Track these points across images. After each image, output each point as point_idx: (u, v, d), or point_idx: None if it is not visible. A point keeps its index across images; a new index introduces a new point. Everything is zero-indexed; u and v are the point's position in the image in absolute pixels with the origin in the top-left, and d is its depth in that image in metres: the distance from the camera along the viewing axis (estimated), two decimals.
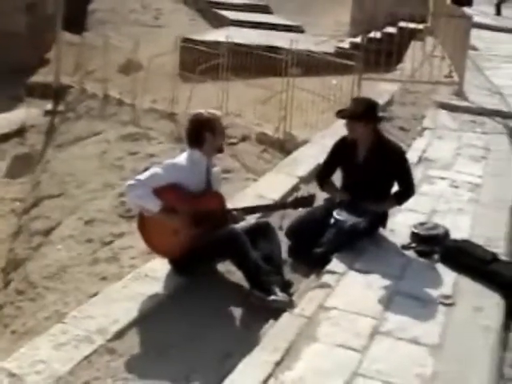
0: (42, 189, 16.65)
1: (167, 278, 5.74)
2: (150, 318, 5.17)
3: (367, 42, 23.84)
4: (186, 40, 24.41)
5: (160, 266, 5.90)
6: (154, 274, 5.79)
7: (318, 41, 27.27)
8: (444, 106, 12.95)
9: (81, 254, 11.86)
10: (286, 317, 4.98)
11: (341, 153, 6.61)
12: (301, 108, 15.81)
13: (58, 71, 26.28)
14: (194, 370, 4.48)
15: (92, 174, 15.56)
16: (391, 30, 24.71)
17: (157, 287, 5.58)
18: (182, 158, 5.89)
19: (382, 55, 18.26)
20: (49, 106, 25.39)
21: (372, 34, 24.44)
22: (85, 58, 24.14)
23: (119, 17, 40.64)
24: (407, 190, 6.53)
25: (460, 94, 13.88)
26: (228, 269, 5.90)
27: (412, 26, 23.69)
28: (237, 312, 5.39)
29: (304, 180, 8.39)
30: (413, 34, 22.94)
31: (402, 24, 24.43)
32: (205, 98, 16.22)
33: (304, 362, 4.34)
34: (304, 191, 7.58)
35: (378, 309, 5.07)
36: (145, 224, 5.76)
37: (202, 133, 5.86)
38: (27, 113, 26.82)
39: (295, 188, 8.19)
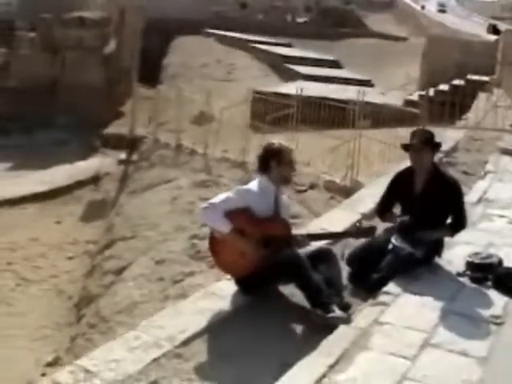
0: (115, 231, 17.23)
1: (233, 296, 6.13)
2: (216, 329, 5.55)
3: (435, 94, 24.28)
4: (258, 92, 25.07)
5: (227, 286, 6.30)
6: (220, 292, 6.20)
7: (386, 93, 27.69)
8: (507, 152, 13.21)
9: (152, 291, 12.27)
10: (342, 328, 5.32)
11: (399, 186, 7.00)
12: (368, 157, 16.17)
13: (132, 123, 27.13)
14: (254, 375, 4.81)
15: (164, 218, 16.04)
16: (459, 82, 25.00)
17: (223, 304, 5.98)
18: (252, 185, 6.34)
19: (449, 106, 18.61)
20: (123, 155, 26.20)
21: (440, 87, 24.81)
22: (159, 109, 24.83)
23: (192, 71, 41.74)
24: (460, 222, 6.87)
25: None
26: (291, 291, 6.22)
27: (479, 77, 24.02)
28: (297, 328, 5.72)
29: (365, 216, 8.71)
30: (480, 86, 23.24)
31: (470, 76, 24.77)
32: None
33: (356, 366, 4.66)
34: (365, 224, 7.90)
35: (429, 324, 5.36)
36: (215, 245, 6.19)
37: (269, 161, 6.30)
38: (102, 162, 27.73)
39: (359, 222, 8.50)
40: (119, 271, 14.29)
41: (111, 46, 43.75)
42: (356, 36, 64.45)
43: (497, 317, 5.58)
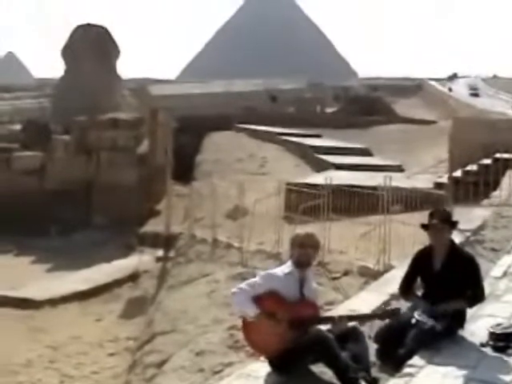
0: (155, 326, 17.61)
1: (267, 376, 6.49)
2: None
3: (463, 175, 24.58)
4: (290, 184, 25.61)
5: (261, 367, 6.64)
6: (254, 373, 6.56)
7: (411, 177, 28.07)
8: None
9: (193, 382, 12.55)
10: None
11: (419, 263, 7.45)
12: (400, 241, 16.46)
13: (168, 220, 27.70)
14: None
15: (202, 311, 16.40)
16: (487, 161, 25.29)
17: (256, 383, 6.28)
18: (278, 269, 6.84)
19: (477, 186, 18.91)
20: (160, 252, 26.73)
21: (469, 167, 25.17)
22: (193, 206, 25.37)
23: (225, 166, 42.57)
24: (478, 294, 7.25)
25: None
26: (321, 370, 6.55)
27: (508, 156, 24.34)
28: None
29: (394, 297, 9.02)
30: (508, 164, 23.53)
31: (498, 155, 25.12)
32: None
33: None
34: (392, 306, 8.25)
35: None
36: (247, 327, 6.61)
37: (291, 246, 6.80)
38: (140, 259, 28.27)
39: (386, 303, 8.83)
40: (160, 364, 14.62)
41: (145, 145, 44.79)
42: (385, 123, 65.35)
43: None
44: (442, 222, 7.21)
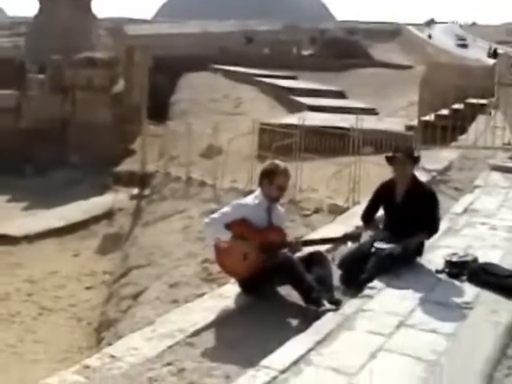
0: (131, 261, 18.04)
1: (237, 296, 6.99)
2: (222, 323, 6.40)
3: (436, 119, 24.99)
4: (264, 124, 25.93)
5: (231, 289, 7.14)
6: (226, 294, 7.08)
7: (383, 119, 28.52)
8: (498, 169, 13.98)
9: (167, 311, 13.03)
10: (329, 315, 6.15)
11: (382, 194, 7.93)
12: (370, 181, 16.94)
13: (143, 159, 27.96)
14: (254, 356, 5.56)
15: (176, 246, 16.83)
16: (458, 106, 25.68)
17: (228, 303, 6.84)
18: (248, 199, 7.30)
19: (451, 130, 19.36)
20: (135, 191, 27.06)
21: (441, 112, 25.56)
22: (169, 145, 25.63)
23: (201, 106, 42.72)
24: (434, 226, 7.76)
25: None
26: (288, 292, 7.03)
27: (478, 101, 24.75)
28: (293, 322, 6.53)
29: (359, 228, 9.48)
30: (479, 109, 23.92)
31: (469, 100, 25.52)
32: None
33: (339, 342, 5.49)
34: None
35: (406, 310, 6.17)
36: (220, 253, 7.04)
37: (263, 178, 7.14)
38: (115, 197, 28.60)
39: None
40: (135, 296, 15.08)
41: (120, 85, 44.77)
42: (361, 66, 65.40)
43: (467, 303, 6.39)
44: (405, 156, 7.67)
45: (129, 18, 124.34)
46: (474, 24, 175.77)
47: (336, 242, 7.83)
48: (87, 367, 5.37)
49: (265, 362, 5.13)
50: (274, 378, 4.87)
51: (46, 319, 17.33)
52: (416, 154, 7.98)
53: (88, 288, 19.47)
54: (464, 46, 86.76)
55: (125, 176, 32.21)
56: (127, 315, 14.12)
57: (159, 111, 39.62)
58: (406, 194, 7.67)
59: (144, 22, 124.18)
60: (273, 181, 7.12)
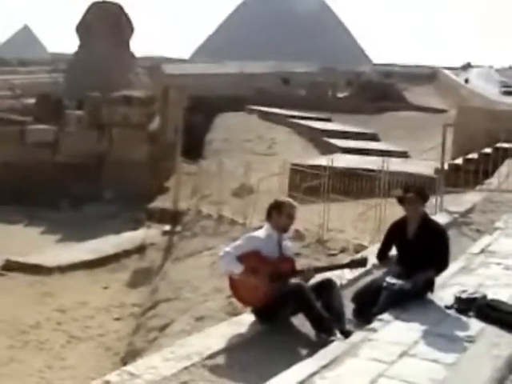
0: (159, 294, 18.45)
1: (251, 324, 7.39)
2: (236, 347, 6.80)
3: (464, 163, 25.23)
4: (295, 164, 26.37)
5: (246, 318, 7.53)
6: (241, 322, 7.47)
7: (415, 162, 28.79)
8: None
9: None
10: (336, 342, 6.50)
11: (395, 232, 8.31)
12: None
13: (176, 197, 28.46)
14: (265, 379, 5.90)
15: (204, 281, 17.22)
16: (488, 150, 25.89)
17: (243, 329, 7.22)
18: (259, 231, 7.74)
19: (475, 174, 19.62)
20: (167, 227, 27.55)
21: (470, 155, 25.81)
22: (201, 183, 26.11)
23: (234, 146, 43.29)
24: (442, 263, 8.09)
25: None
26: (301, 322, 7.40)
27: (508, 145, 24.96)
28: (304, 350, 6.87)
29: (375, 266, 9.77)
30: (508, 153, 24.12)
31: (499, 144, 25.75)
32: (309, 216, 17.67)
33: (343, 367, 5.83)
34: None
35: (411, 341, 6.48)
36: (234, 284, 7.49)
37: (271, 211, 7.59)
38: (147, 233, 29.12)
39: (368, 272, 9.63)
40: (162, 328, 15.48)
41: (156, 123, 45.49)
42: (395, 109, 65.69)
43: (470, 336, 6.69)
44: (415, 196, 8.05)
45: (167, 57, 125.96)
46: (511, 68, 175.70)
47: (344, 267, 8.22)
48: (107, 382, 5.77)
49: (272, 381, 5.49)
50: None
51: (74, 347, 17.77)
52: (426, 193, 8.33)
53: (116, 319, 19.90)
54: (510, 93, 77.46)
55: (157, 212, 32.74)
56: (153, 346, 14.50)
57: (194, 150, 40.21)
58: (417, 232, 8.04)
59: (182, 61, 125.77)
60: (281, 211, 7.63)
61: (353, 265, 8.02)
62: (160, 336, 14.97)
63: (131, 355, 15.37)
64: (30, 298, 21.25)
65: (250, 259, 7.33)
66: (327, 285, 7.52)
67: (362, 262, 7.87)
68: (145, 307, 18.57)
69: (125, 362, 15.50)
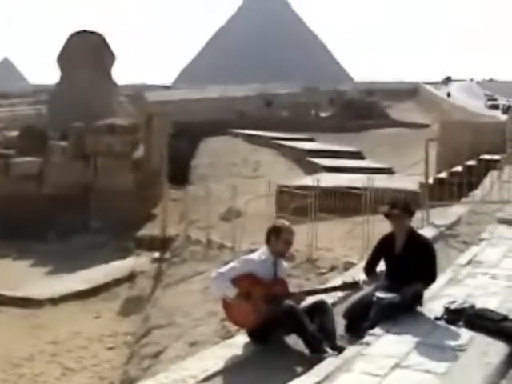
0: (152, 321, 18.49)
1: (245, 346, 7.44)
2: (231, 369, 6.85)
3: (450, 176, 25.40)
4: (281, 186, 26.52)
5: (240, 339, 7.60)
6: (235, 343, 7.54)
7: (399, 178, 28.98)
8: (504, 221, 14.42)
9: None
10: (330, 358, 6.58)
11: (382, 247, 8.43)
12: None
13: (164, 223, 28.52)
14: None
15: (196, 306, 17.30)
16: (471, 162, 26.07)
17: (237, 351, 7.27)
18: (254, 254, 7.78)
19: (460, 186, 19.77)
20: (156, 254, 27.59)
21: (454, 169, 25.99)
22: (189, 209, 26.18)
23: (220, 170, 43.48)
24: (430, 276, 8.17)
25: None
26: (295, 341, 7.47)
27: (491, 157, 25.16)
28: (298, 369, 6.94)
29: (365, 282, 9.89)
30: (493, 165, 24.29)
31: (482, 156, 25.95)
32: (298, 236, 17.75)
33: (337, 383, 5.90)
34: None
35: (403, 353, 6.58)
36: (227, 306, 7.54)
37: (270, 235, 7.65)
38: (137, 261, 29.16)
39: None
40: (156, 355, 15.51)
41: (140, 150, 45.58)
42: (378, 126, 66.18)
43: (461, 345, 6.79)
44: (402, 211, 8.18)
45: (149, 84, 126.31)
46: (491, 80, 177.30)
47: (336, 290, 8.30)
48: None
49: None
50: None
51: (69, 379, 17.81)
52: (411, 208, 8.45)
53: (110, 348, 19.94)
54: (496, 106, 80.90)
55: (146, 240, 32.80)
56: (148, 373, 14.51)
57: (179, 176, 40.33)
58: (404, 246, 8.15)
59: (164, 87, 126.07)
60: (279, 236, 7.70)
61: (345, 287, 8.13)
62: (154, 363, 15.00)
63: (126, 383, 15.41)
64: (23, 331, 21.27)
65: (244, 282, 7.39)
66: (320, 307, 7.61)
67: (354, 285, 7.97)
68: (138, 335, 18.60)
69: None
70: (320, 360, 6.77)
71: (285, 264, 8.03)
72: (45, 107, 61.47)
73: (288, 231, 7.81)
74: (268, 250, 7.73)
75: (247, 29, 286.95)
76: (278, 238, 7.70)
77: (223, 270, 7.55)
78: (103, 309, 24.07)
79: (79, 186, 43.06)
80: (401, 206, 8.32)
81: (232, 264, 7.66)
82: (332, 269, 17.04)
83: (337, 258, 17.44)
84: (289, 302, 7.38)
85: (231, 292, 7.33)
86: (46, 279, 29.50)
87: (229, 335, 13.73)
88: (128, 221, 37.91)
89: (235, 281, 7.37)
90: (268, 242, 7.77)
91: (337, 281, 10.35)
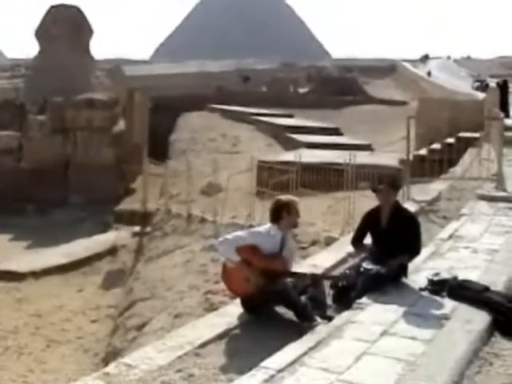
0: (135, 294, 18.65)
1: (239, 315, 7.70)
2: (226, 336, 7.12)
3: (429, 153, 25.73)
4: (262, 161, 26.72)
5: (231, 309, 7.87)
6: (229, 312, 7.80)
7: (380, 154, 29.32)
8: (484, 198, 14.77)
9: None
10: (320, 326, 6.88)
11: (369, 221, 8.74)
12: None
13: (144, 198, 28.59)
14: (254, 364, 6.25)
15: (179, 279, 17.44)
16: (451, 140, 26.41)
17: (231, 320, 7.55)
18: (263, 228, 8.04)
19: (440, 163, 20.09)
20: (136, 229, 27.71)
21: (434, 146, 26.32)
22: (169, 183, 26.32)
23: (199, 145, 43.59)
24: (415, 249, 8.49)
25: (499, 186, 15.72)
26: (285, 311, 7.75)
27: (470, 134, 25.50)
28: (289, 336, 7.19)
29: (350, 255, 10.23)
30: (471, 142, 24.64)
31: (461, 134, 26.28)
32: None
33: (329, 348, 6.23)
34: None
35: (390, 321, 6.89)
36: (226, 272, 7.83)
37: (281, 212, 7.93)
38: (117, 235, 29.30)
39: (344, 260, 10.06)
40: (140, 327, 15.69)
41: (120, 125, 45.57)
42: (357, 103, 66.47)
43: (445, 314, 7.11)
44: (388, 186, 8.48)
45: (127, 58, 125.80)
46: (468, 58, 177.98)
47: (334, 279, 8.57)
48: (107, 374, 6.07)
49: (264, 363, 5.85)
50: (272, 376, 5.62)
51: (54, 351, 18.00)
52: (398, 184, 8.74)
53: (93, 321, 20.15)
54: (483, 88, 75.66)
55: (126, 214, 32.79)
56: (133, 345, 14.72)
57: (159, 150, 40.39)
58: (390, 220, 8.46)
59: (142, 62, 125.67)
60: (290, 210, 8.00)
61: (341, 278, 8.42)
62: (139, 335, 15.16)
63: (111, 355, 15.56)
64: (6, 304, 21.40)
65: (247, 252, 7.63)
66: (314, 284, 7.88)
67: (348, 277, 8.33)
68: (121, 308, 18.76)
69: (106, 361, 15.75)
70: (311, 328, 7.05)
71: (293, 243, 8.30)
72: (22, 81, 61.18)
73: (296, 203, 8.10)
74: (276, 227, 7.94)
75: (225, 5, 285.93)
76: (289, 213, 7.96)
77: (230, 236, 7.79)
78: (85, 282, 24.26)
79: (59, 160, 43.08)
80: (388, 180, 8.62)
81: (239, 233, 7.92)
82: (313, 243, 17.26)
83: (318, 232, 17.64)
84: (284, 282, 7.63)
85: (235, 258, 7.57)
86: (26, 253, 29.61)
87: (213, 307, 13.99)
88: (108, 195, 38.03)
89: (238, 249, 7.63)
90: (279, 218, 7.97)
91: (325, 256, 10.74)
